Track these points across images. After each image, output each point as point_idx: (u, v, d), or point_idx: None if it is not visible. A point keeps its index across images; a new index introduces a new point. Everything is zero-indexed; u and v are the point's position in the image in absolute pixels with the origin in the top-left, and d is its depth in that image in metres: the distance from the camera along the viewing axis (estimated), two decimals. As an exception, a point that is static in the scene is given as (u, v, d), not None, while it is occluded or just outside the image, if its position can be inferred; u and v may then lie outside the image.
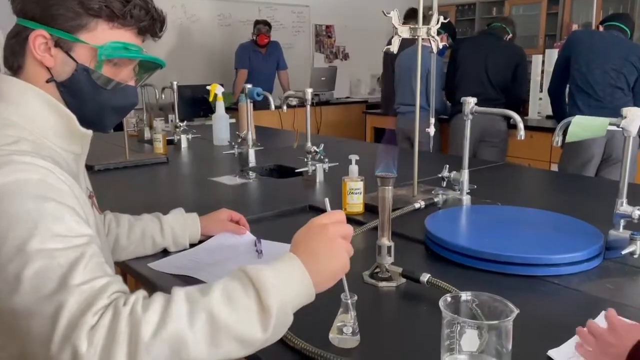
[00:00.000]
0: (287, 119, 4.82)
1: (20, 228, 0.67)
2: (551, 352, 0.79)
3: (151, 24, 0.89)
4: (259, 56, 5.16)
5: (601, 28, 3.05)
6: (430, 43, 1.53)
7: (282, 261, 0.74)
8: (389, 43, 1.45)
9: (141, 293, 0.66)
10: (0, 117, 0.80)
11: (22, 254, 0.66)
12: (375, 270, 1.05)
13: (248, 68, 5.05)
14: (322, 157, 1.86)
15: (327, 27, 6.79)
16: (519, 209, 1.42)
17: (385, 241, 1.03)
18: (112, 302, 0.63)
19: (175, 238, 1.20)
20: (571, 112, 2.94)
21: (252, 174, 2.00)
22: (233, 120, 3.03)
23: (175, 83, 2.72)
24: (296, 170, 1.90)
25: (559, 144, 1.24)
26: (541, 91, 3.91)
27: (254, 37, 5.13)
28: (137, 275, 1.13)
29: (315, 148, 1.85)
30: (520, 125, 1.36)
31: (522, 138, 1.35)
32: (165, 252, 1.20)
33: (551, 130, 3.46)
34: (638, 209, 1.11)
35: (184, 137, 2.69)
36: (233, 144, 2.21)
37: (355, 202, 1.47)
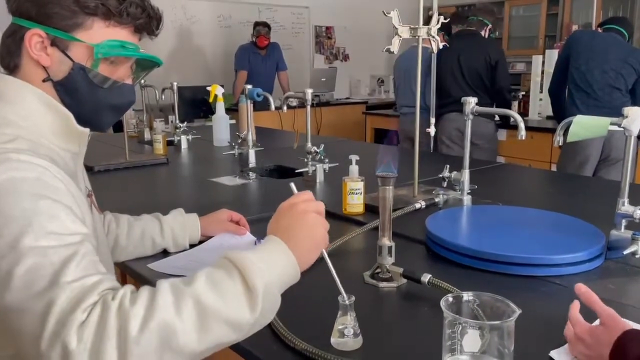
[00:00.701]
0: (287, 120, 4.82)
1: (14, 225, 0.67)
2: (553, 353, 0.79)
3: (147, 22, 0.88)
4: (259, 58, 5.16)
5: (600, 30, 3.06)
6: (431, 43, 1.53)
7: (263, 244, 0.75)
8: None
9: (129, 287, 0.66)
10: None
11: (15, 251, 0.65)
12: (376, 271, 1.05)
13: (248, 69, 5.05)
14: (322, 157, 1.86)
15: (327, 28, 6.79)
16: (520, 209, 1.42)
17: (386, 241, 1.02)
18: (101, 297, 0.63)
19: (175, 238, 1.20)
20: (569, 110, 2.94)
21: (252, 175, 2.00)
22: (233, 121, 3.02)
23: (175, 84, 2.72)
24: (296, 171, 1.90)
25: (560, 143, 1.23)
26: (541, 92, 3.91)
27: (254, 39, 5.13)
28: (137, 275, 1.13)
29: (315, 148, 1.85)
30: (521, 125, 1.35)
31: (523, 138, 1.35)
32: (165, 253, 1.20)
33: (551, 131, 3.46)
34: (639, 209, 1.11)
35: (184, 138, 2.68)
36: (233, 144, 2.21)
37: (356, 202, 1.47)
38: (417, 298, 1.00)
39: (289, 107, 4.37)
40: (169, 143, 2.61)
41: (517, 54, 6.51)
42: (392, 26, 1.43)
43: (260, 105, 2.69)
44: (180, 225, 1.21)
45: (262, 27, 5.11)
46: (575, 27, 4.71)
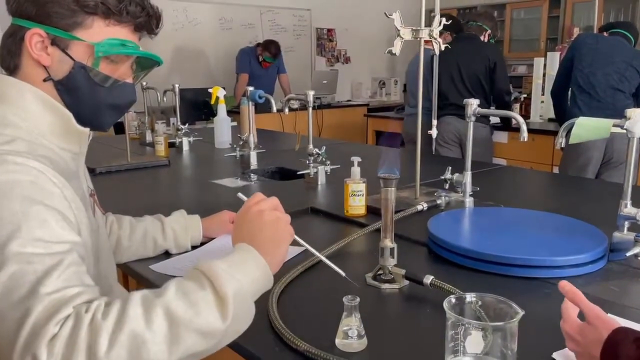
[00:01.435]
0: (289, 122, 4.82)
1: (2, 229, 0.66)
2: (556, 355, 0.79)
3: (147, 21, 0.89)
4: (259, 62, 5.17)
5: (605, 34, 3.08)
6: (433, 45, 1.53)
7: (232, 253, 0.76)
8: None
9: (104, 300, 0.66)
10: None
11: (1, 255, 0.65)
12: (378, 272, 1.05)
13: (249, 72, 5.06)
14: (323, 159, 1.86)
15: (329, 30, 6.80)
16: (522, 211, 1.42)
17: (388, 243, 1.02)
18: (75, 310, 0.63)
19: (176, 240, 1.20)
20: (571, 112, 2.95)
21: (253, 177, 2.00)
22: (235, 123, 3.02)
23: (177, 86, 2.73)
24: (298, 173, 1.90)
25: (563, 145, 1.23)
26: (543, 94, 3.91)
27: (260, 59, 5.11)
28: (139, 277, 1.13)
29: (317, 150, 1.85)
30: (524, 127, 1.35)
31: (525, 140, 1.35)
32: (167, 255, 1.20)
33: (553, 133, 3.46)
34: (642, 211, 1.10)
35: (185, 140, 2.68)
36: (235, 146, 2.21)
37: (358, 204, 1.47)
38: (420, 300, 0.99)
39: (291, 109, 4.37)
40: (171, 145, 2.61)
41: (519, 57, 6.52)
42: (393, 28, 1.43)
43: (262, 108, 2.69)
44: (182, 226, 1.21)
45: (270, 57, 5.03)
46: (576, 30, 4.72)
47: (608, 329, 0.68)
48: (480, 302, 0.72)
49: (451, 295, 0.73)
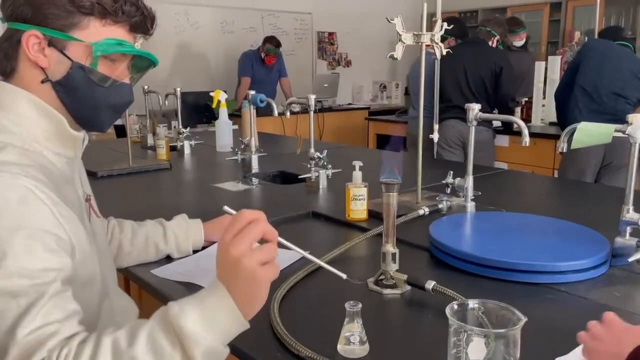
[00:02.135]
0: (290, 126, 4.82)
1: None
2: (559, 361, 0.78)
3: (142, 20, 0.89)
4: (262, 65, 5.18)
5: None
6: (434, 49, 1.53)
7: (207, 293, 0.71)
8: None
9: (76, 342, 0.67)
10: None
11: None
12: (380, 278, 1.05)
13: (251, 76, 5.06)
14: (325, 163, 1.86)
15: (330, 34, 6.81)
16: (524, 216, 1.42)
17: (390, 248, 1.02)
18: (48, 355, 0.65)
19: (178, 244, 1.20)
20: (571, 114, 2.96)
21: (254, 180, 2.00)
22: (236, 127, 3.03)
23: (178, 89, 2.73)
24: (299, 177, 1.90)
25: (565, 150, 1.23)
26: (544, 98, 3.91)
27: (262, 56, 5.12)
28: (140, 281, 1.12)
29: (318, 154, 1.85)
30: (525, 131, 1.35)
31: (527, 144, 1.35)
32: (168, 259, 1.20)
33: (554, 137, 3.46)
34: (644, 216, 1.10)
35: (186, 144, 2.68)
36: (236, 150, 2.21)
37: (359, 208, 1.47)
38: (422, 305, 0.99)
39: (292, 112, 4.35)
40: (172, 148, 2.61)
41: (520, 60, 6.51)
42: (394, 32, 1.43)
43: (263, 111, 2.69)
44: (183, 231, 1.21)
45: (272, 47, 5.08)
46: (577, 34, 4.72)
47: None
48: (482, 309, 0.72)
49: (453, 302, 0.73)
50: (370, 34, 6.77)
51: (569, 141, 1.22)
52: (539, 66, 3.93)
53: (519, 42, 4.50)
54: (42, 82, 0.83)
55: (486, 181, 2.03)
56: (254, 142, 2.16)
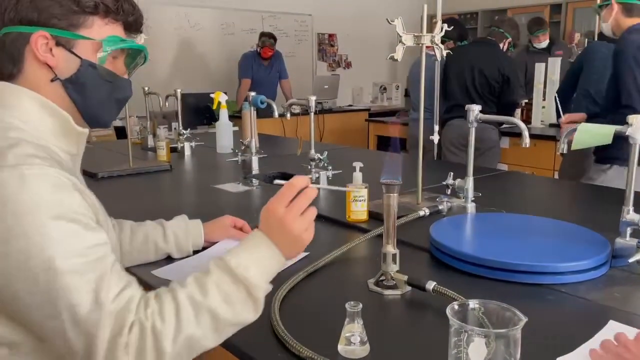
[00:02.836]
0: (290, 127, 4.83)
1: (43, 251, 0.70)
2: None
3: (138, 18, 0.92)
4: (262, 66, 5.19)
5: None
6: (434, 51, 1.53)
7: (264, 252, 0.82)
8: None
9: (152, 300, 0.74)
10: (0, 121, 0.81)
11: (50, 274, 0.69)
12: (380, 278, 1.05)
13: (251, 77, 5.07)
14: (325, 164, 1.86)
15: (330, 35, 6.82)
16: (524, 217, 1.42)
17: (391, 249, 1.02)
18: (137, 318, 0.72)
19: (178, 244, 1.20)
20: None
21: (255, 182, 2.00)
22: (236, 128, 3.03)
23: (179, 91, 2.73)
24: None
25: (565, 151, 1.23)
26: (544, 99, 3.91)
27: (258, 49, 5.15)
28: (141, 282, 1.11)
29: (318, 155, 1.85)
30: (525, 132, 1.35)
31: (527, 146, 1.35)
32: (168, 260, 1.20)
33: (554, 139, 3.46)
34: (645, 217, 1.10)
35: (187, 145, 2.69)
36: (236, 151, 2.21)
37: (360, 209, 1.47)
38: (422, 306, 0.99)
39: (292, 114, 4.35)
40: (173, 150, 2.62)
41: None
42: (394, 34, 1.43)
43: (264, 113, 2.69)
44: (183, 230, 1.21)
45: (267, 39, 5.13)
46: (577, 35, 4.73)
47: None
48: (483, 309, 0.72)
49: (454, 302, 0.73)
50: (371, 35, 6.77)
51: (569, 142, 1.22)
52: (539, 67, 3.93)
53: (538, 44, 4.48)
54: (52, 80, 0.85)
55: (486, 182, 2.04)
56: (254, 143, 2.16)
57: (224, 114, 2.77)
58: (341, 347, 0.81)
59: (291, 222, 0.83)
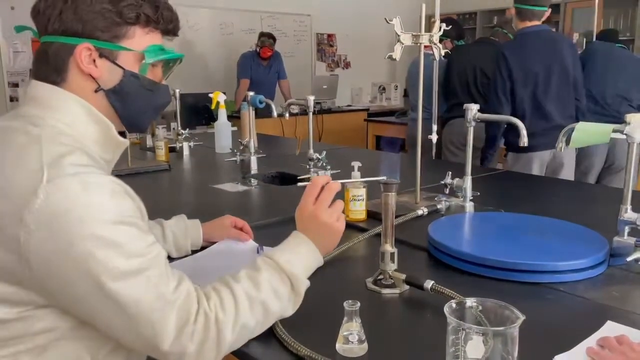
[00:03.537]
0: (289, 127, 4.83)
1: (108, 252, 0.72)
2: (557, 358, 0.79)
3: (177, 24, 0.94)
4: (261, 66, 5.18)
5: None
6: (433, 50, 1.53)
7: (305, 251, 0.91)
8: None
9: (212, 294, 0.81)
10: (48, 125, 0.81)
11: (113, 276, 0.72)
12: (379, 277, 1.05)
13: (250, 77, 5.07)
14: (324, 164, 1.86)
15: (329, 35, 6.82)
16: (523, 216, 1.42)
17: (389, 248, 1.02)
18: (201, 307, 0.78)
19: (177, 243, 1.20)
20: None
21: (254, 181, 2.00)
22: (235, 128, 3.03)
23: (177, 91, 2.73)
24: (298, 178, 1.89)
25: (563, 150, 1.23)
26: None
27: (257, 49, 5.15)
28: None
29: (317, 155, 1.85)
30: (523, 132, 1.36)
31: (525, 144, 1.35)
32: (168, 259, 1.19)
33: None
34: (643, 216, 1.10)
35: (186, 145, 2.69)
36: (235, 151, 2.21)
37: (358, 208, 1.47)
38: (420, 304, 0.99)
39: (291, 114, 4.35)
40: (171, 150, 2.62)
41: (518, 62, 6.51)
42: (393, 34, 1.44)
43: (262, 113, 2.69)
44: (181, 230, 1.22)
45: (267, 39, 5.12)
46: (576, 35, 4.74)
47: None
48: (480, 307, 0.72)
49: (452, 300, 0.73)
50: (370, 35, 6.77)
51: (567, 141, 1.23)
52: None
53: None
54: (96, 91, 0.87)
55: (485, 181, 2.04)
56: (253, 143, 2.16)
57: (222, 114, 2.77)
58: (339, 346, 0.81)
59: (322, 214, 0.93)
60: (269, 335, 0.86)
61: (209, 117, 4.70)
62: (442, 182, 1.55)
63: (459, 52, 3.57)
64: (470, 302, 0.73)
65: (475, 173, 1.55)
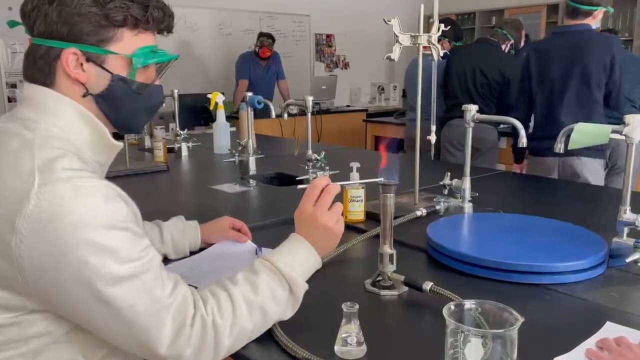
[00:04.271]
0: (288, 127, 4.82)
1: (102, 257, 0.71)
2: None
3: (169, 22, 0.91)
4: (260, 66, 5.18)
5: None
6: (431, 51, 1.53)
7: (304, 254, 0.90)
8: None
9: (210, 297, 0.80)
10: (41, 128, 0.80)
11: (107, 281, 0.71)
12: (377, 279, 1.05)
13: (248, 78, 5.06)
14: (323, 165, 1.86)
15: (328, 36, 6.81)
16: (522, 217, 1.42)
17: (387, 249, 1.02)
18: (198, 312, 0.78)
19: (175, 245, 1.20)
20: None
21: (252, 182, 2.00)
22: (233, 129, 3.02)
23: (176, 92, 2.73)
24: (297, 178, 1.89)
25: (562, 150, 1.23)
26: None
27: (257, 49, 5.14)
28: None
29: (316, 156, 1.85)
30: (522, 132, 1.35)
31: (524, 145, 1.35)
32: (165, 261, 1.19)
33: (551, 139, 3.46)
34: (642, 217, 1.10)
35: (184, 145, 2.68)
36: (233, 152, 2.20)
37: (357, 209, 1.47)
38: (419, 306, 0.99)
39: (290, 114, 4.37)
40: (170, 150, 2.61)
41: (517, 62, 6.51)
42: (392, 34, 1.43)
43: (261, 113, 2.69)
44: (179, 231, 1.21)
45: (266, 39, 5.11)
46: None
47: None
48: (480, 309, 0.72)
49: (451, 302, 0.73)
50: (368, 36, 6.77)
51: (566, 142, 1.22)
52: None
53: None
54: (84, 96, 0.85)
55: (484, 182, 2.03)
56: (251, 143, 2.16)
57: (221, 114, 2.76)
58: (338, 348, 0.81)
59: (321, 216, 0.92)
60: (268, 338, 0.86)
61: (208, 117, 4.69)
62: (441, 183, 1.54)
63: (458, 53, 3.56)
64: (469, 304, 0.72)
65: (474, 174, 1.55)
